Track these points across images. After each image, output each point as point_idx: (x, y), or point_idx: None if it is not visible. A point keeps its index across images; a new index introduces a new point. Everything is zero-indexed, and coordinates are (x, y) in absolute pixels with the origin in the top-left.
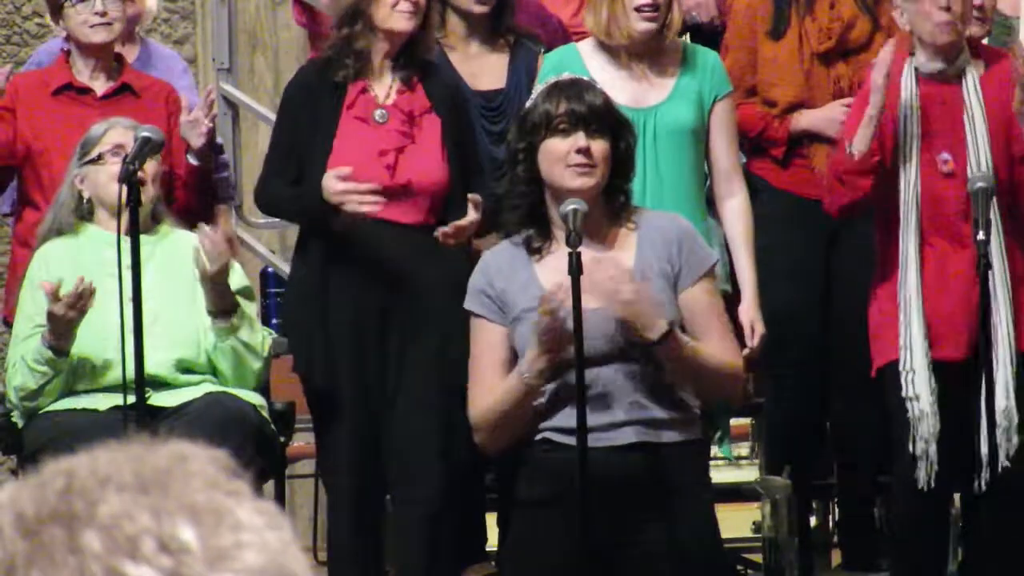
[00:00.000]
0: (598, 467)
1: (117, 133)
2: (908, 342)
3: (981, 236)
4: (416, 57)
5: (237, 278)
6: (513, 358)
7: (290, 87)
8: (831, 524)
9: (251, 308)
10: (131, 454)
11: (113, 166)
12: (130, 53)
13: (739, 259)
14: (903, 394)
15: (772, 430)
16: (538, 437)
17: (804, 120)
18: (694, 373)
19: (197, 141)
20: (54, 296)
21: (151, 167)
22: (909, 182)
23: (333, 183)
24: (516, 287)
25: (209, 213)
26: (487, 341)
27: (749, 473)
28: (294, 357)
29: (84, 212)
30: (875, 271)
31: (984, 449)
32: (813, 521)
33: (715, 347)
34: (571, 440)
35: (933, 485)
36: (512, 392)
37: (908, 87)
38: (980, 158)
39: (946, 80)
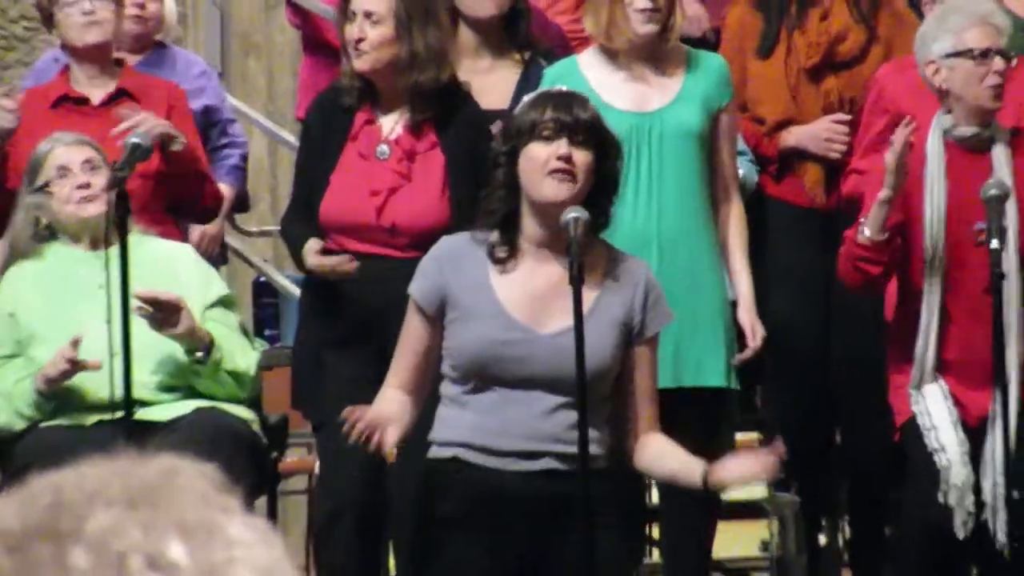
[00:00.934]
0: (512, 488)
1: (59, 154)
2: (927, 404)
3: (995, 244)
4: (431, 94)
5: (216, 288)
6: (434, 356)
7: (308, 112)
8: (841, 542)
9: (233, 319)
10: (120, 468)
11: (62, 190)
12: (135, 60)
13: (734, 264)
14: (927, 449)
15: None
16: (447, 454)
17: (792, 138)
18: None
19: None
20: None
21: (100, 175)
22: (932, 255)
23: (309, 256)
24: (466, 284)
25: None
26: (413, 329)
27: (756, 490)
28: (292, 396)
29: (43, 236)
30: (891, 327)
31: (993, 489)
32: (822, 539)
33: (649, 413)
34: (485, 460)
35: (968, 534)
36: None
37: (935, 150)
38: (1010, 233)
39: (974, 147)
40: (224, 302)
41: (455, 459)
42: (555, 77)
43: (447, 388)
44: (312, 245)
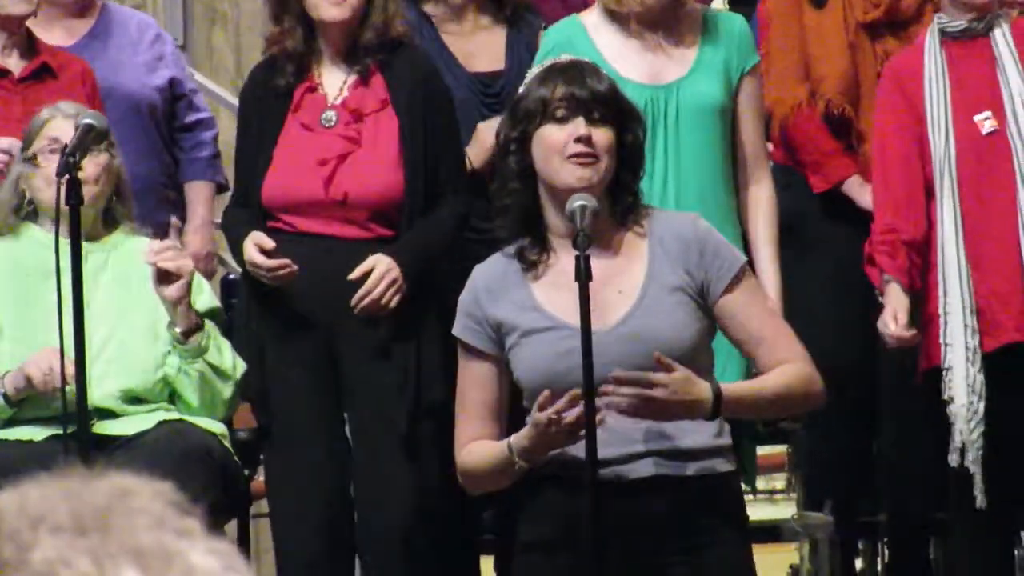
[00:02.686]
0: (611, 505)
1: (56, 125)
2: (949, 334)
3: None
4: (364, 43)
5: (206, 298)
6: (505, 394)
7: (241, 95)
8: (880, 567)
9: (218, 333)
10: (65, 490)
11: (49, 167)
12: (82, 27)
13: (760, 257)
14: (943, 396)
15: (811, 460)
16: (546, 473)
17: (863, 188)
18: (764, 411)
19: None
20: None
21: (100, 161)
22: (939, 149)
23: (248, 250)
24: (510, 309)
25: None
26: (473, 376)
27: (785, 509)
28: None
29: (27, 212)
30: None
31: None
32: (859, 564)
33: (778, 354)
34: (580, 476)
35: (986, 504)
36: (498, 461)
37: (932, 52)
38: (1018, 114)
39: (974, 36)
40: (212, 314)
41: (552, 478)
42: (558, 40)
43: (532, 416)
44: (255, 239)
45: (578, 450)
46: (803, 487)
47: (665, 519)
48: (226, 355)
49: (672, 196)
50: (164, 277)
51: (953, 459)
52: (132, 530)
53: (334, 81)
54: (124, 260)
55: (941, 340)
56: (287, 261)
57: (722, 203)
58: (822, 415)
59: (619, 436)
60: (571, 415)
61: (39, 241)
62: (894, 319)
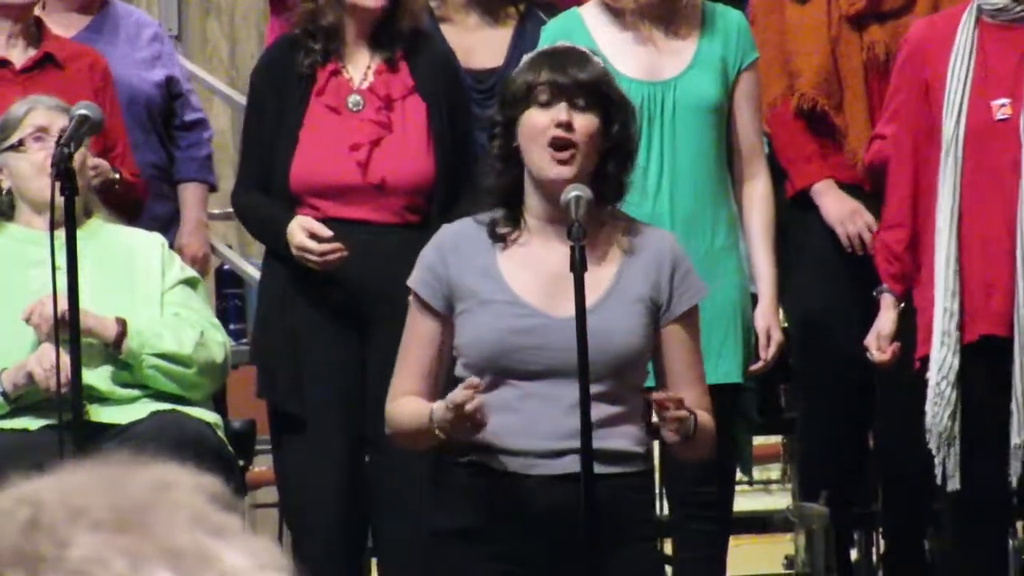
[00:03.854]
0: (533, 497)
1: (40, 114)
2: (938, 318)
3: None
4: (397, 31)
5: (176, 271)
6: (447, 356)
7: (254, 75)
8: (875, 558)
9: (197, 299)
10: (107, 480)
11: (36, 154)
12: (82, 22)
13: (756, 254)
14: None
15: (807, 450)
16: (464, 460)
17: (820, 197)
18: (697, 448)
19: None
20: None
21: (76, 156)
22: (949, 130)
23: (298, 235)
24: (472, 273)
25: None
26: (420, 330)
27: (780, 500)
28: (260, 383)
29: (4, 207)
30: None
31: (1016, 439)
32: (854, 555)
33: (691, 398)
34: (506, 464)
35: (958, 488)
36: (419, 424)
37: (966, 28)
38: None
39: (1010, 21)
40: (187, 282)
41: (471, 463)
42: (556, 34)
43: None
44: (304, 224)
45: (497, 437)
46: (799, 478)
47: (580, 515)
48: (167, 340)
49: (667, 192)
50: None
51: (928, 441)
52: (170, 529)
53: (358, 66)
54: (101, 246)
55: (935, 323)
56: (339, 245)
57: (717, 199)
58: (818, 406)
59: (546, 430)
60: (472, 405)
61: (15, 236)
62: (876, 341)
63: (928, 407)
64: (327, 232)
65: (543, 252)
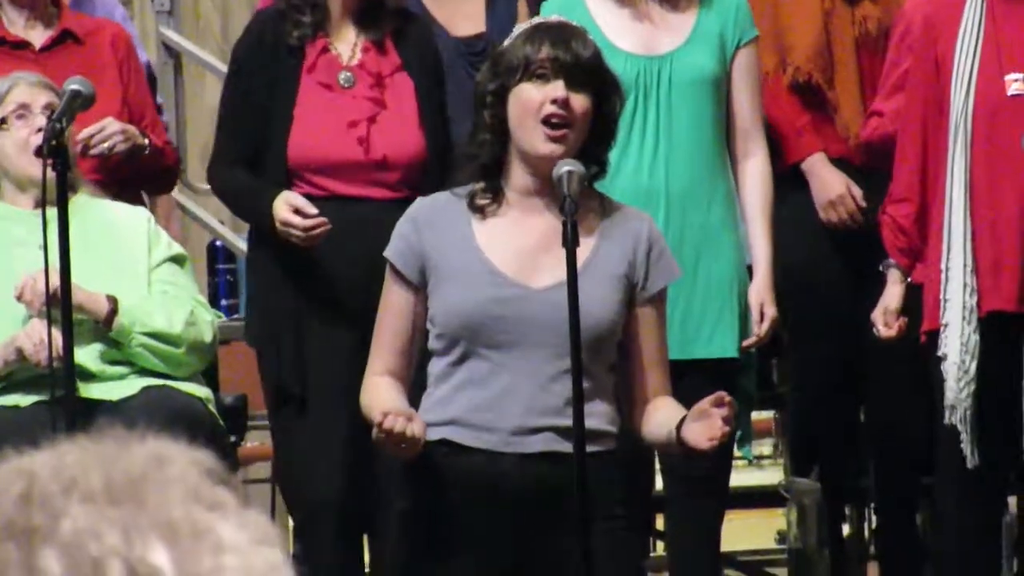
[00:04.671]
0: (508, 476)
1: (21, 91)
2: (947, 291)
3: None
4: (385, 10)
5: (163, 248)
6: (421, 328)
7: (239, 48)
8: (867, 533)
9: (184, 276)
10: (102, 454)
11: (19, 132)
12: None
13: (753, 230)
14: (938, 353)
15: (798, 425)
16: (434, 437)
17: (810, 168)
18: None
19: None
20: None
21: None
22: (958, 104)
23: (282, 210)
24: (447, 243)
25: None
26: (394, 302)
27: (772, 475)
28: (260, 361)
29: None
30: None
31: None
32: (846, 529)
33: (658, 380)
34: (477, 440)
35: (977, 463)
36: (371, 417)
37: (974, 3)
38: None
39: None
40: (174, 259)
41: (443, 442)
42: (556, 10)
43: (433, 365)
44: (288, 199)
45: (470, 413)
46: (790, 452)
47: (556, 493)
48: (157, 318)
49: (662, 166)
50: (53, 301)
51: (946, 416)
52: (165, 502)
53: (345, 42)
54: (87, 222)
55: (941, 296)
56: (323, 219)
57: (714, 174)
58: (809, 381)
59: (518, 408)
60: (396, 429)
61: (5, 213)
62: (883, 316)
63: (951, 383)
64: (312, 209)
65: (522, 224)
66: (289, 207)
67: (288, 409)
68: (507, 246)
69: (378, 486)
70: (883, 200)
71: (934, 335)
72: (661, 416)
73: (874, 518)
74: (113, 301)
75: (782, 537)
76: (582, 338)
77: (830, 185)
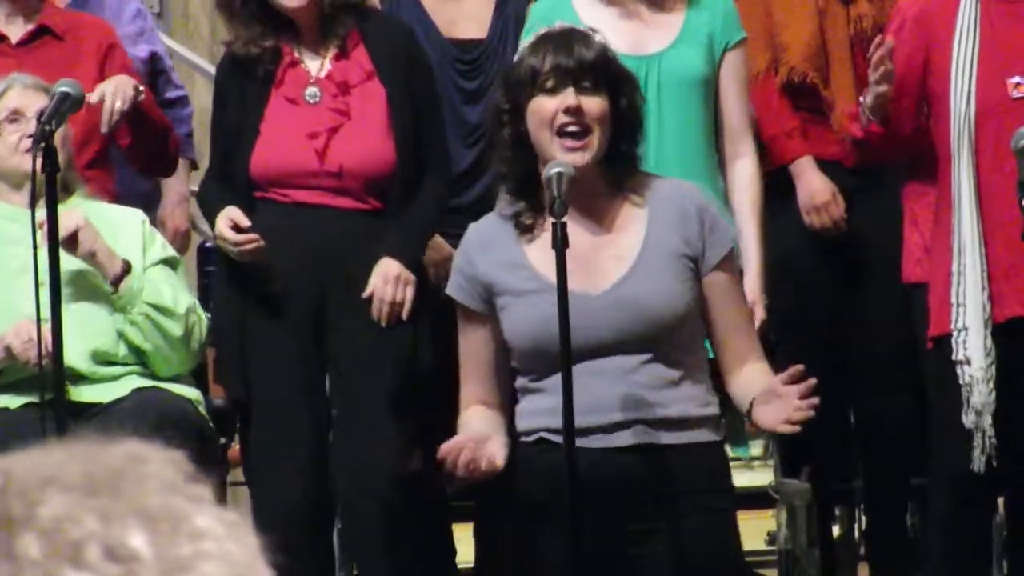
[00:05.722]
0: (593, 470)
1: (15, 95)
2: (961, 295)
3: None
4: (340, 12)
5: (157, 249)
6: (503, 350)
7: (218, 71)
8: (857, 534)
9: (174, 277)
10: (80, 453)
11: (12, 136)
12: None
13: (744, 230)
14: (953, 357)
15: None
16: (532, 437)
17: (799, 172)
18: None
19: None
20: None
21: (61, 131)
22: (959, 107)
23: (220, 223)
24: (501, 268)
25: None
26: (470, 336)
27: (762, 476)
28: (217, 367)
29: None
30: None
31: None
32: (836, 530)
33: (743, 346)
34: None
35: (986, 468)
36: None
37: (969, 4)
38: None
39: None
40: (167, 261)
41: (541, 440)
42: (543, 13)
43: (517, 381)
44: (229, 214)
45: (559, 420)
46: (780, 453)
47: (646, 487)
48: (165, 292)
49: (653, 166)
50: (69, 243)
51: (969, 421)
52: (142, 493)
53: (314, 57)
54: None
55: (953, 300)
56: (254, 236)
57: (705, 174)
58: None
59: (603, 404)
60: (460, 462)
61: None
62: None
63: (980, 387)
64: (246, 222)
65: (569, 235)
66: (228, 221)
67: (244, 413)
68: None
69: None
70: (878, 199)
71: (943, 339)
72: (742, 388)
73: (864, 519)
74: (127, 264)
75: (772, 538)
76: (648, 330)
77: (816, 190)
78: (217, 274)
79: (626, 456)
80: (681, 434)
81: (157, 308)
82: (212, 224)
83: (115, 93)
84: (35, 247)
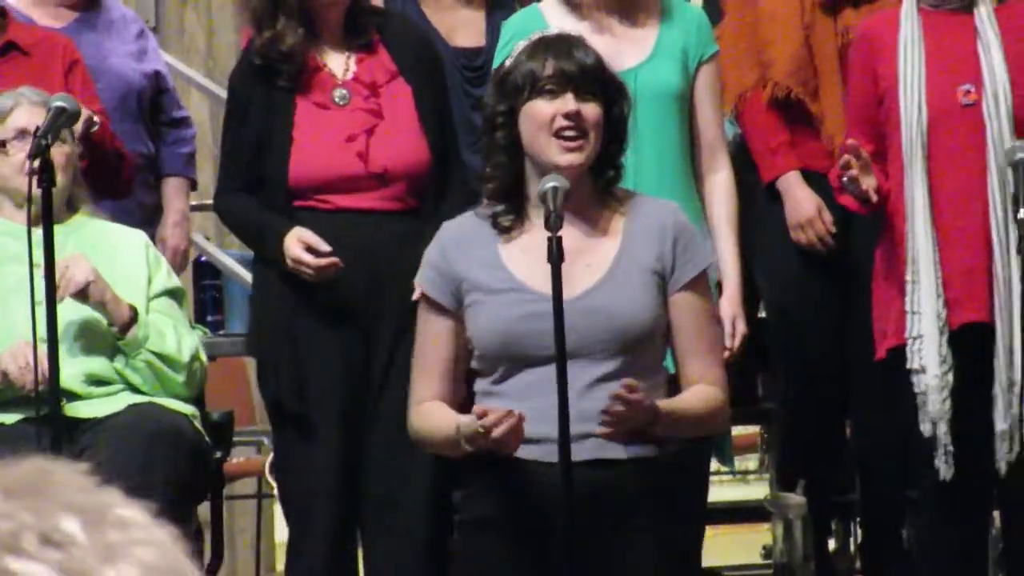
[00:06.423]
0: (557, 485)
1: (23, 114)
2: (916, 302)
3: (1023, 215)
4: (364, 12)
5: (163, 278)
6: (464, 352)
7: (234, 76)
8: (853, 547)
9: (179, 312)
10: None
11: (17, 155)
12: (71, 15)
13: (721, 245)
14: (908, 366)
15: (784, 439)
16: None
17: (787, 188)
18: (682, 431)
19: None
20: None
21: (63, 151)
22: (911, 117)
23: (294, 248)
24: (476, 266)
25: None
26: (434, 330)
27: (758, 489)
28: (259, 376)
29: None
30: (881, 237)
31: (1001, 424)
32: (832, 544)
33: (699, 369)
34: (525, 452)
35: (951, 476)
36: (446, 436)
37: (910, 18)
38: (997, 92)
39: (955, 10)
40: (172, 293)
41: (491, 453)
42: (516, 30)
43: (479, 384)
44: (302, 236)
45: (529, 430)
46: (776, 467)
47: (599, 502)
48: (169, 341)
49: (631, 181)
50: (79, 294)
51: (927, 429)
52: (61, 493)
53: (337, 58)
54: (84, 242)
55: (908, 309)
56: (335, 259)
57: (681, 188)
58: (795, 395)
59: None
60: (499, 431)
61: (2, 228)
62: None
63: (933, 396)
64: (325, 247)
65: (545, 238)
66: (301, 244)
67: (286, 424)
68: (534, 262)
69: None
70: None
71: (899, 349)
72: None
73: (860, 532)
74: (134, 311)
75: (768, 552)
76: (616, 340)
77: (802, 206)
78: (255, 284)
79: (581, 470)
80: (635, 448)
81: (161, 357)
82: (243, 238)
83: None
84: (31, 265)
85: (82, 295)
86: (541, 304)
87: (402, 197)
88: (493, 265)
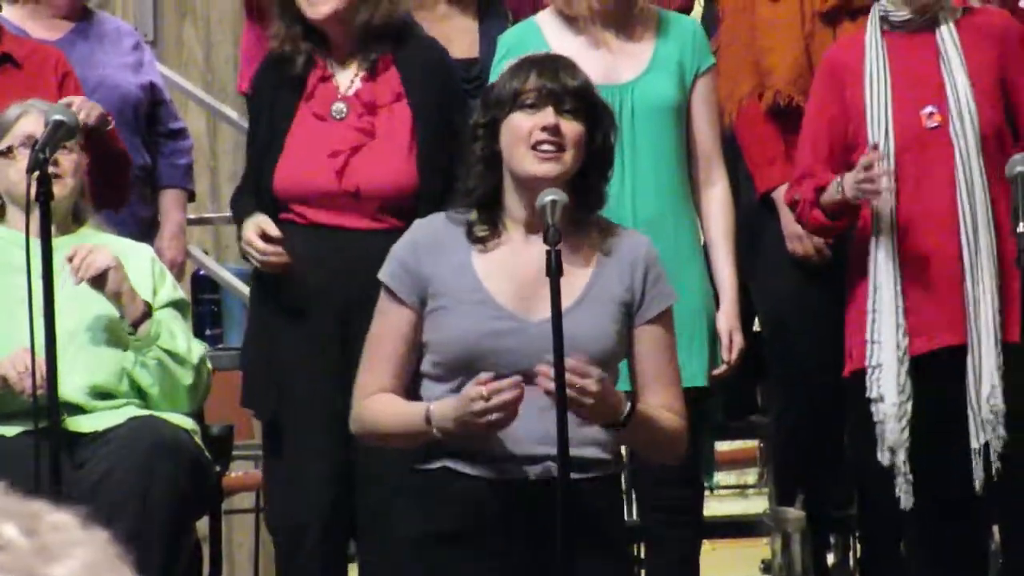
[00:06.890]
0: (508, 502)
1: (31, 121)
2: (876, 332)
3: (1021, 228)
4: (375, 31)
5: (168, 290)
6: (417, 350)
7: (253, 81)
8: (852, 562)
9: (179, 322)
10: None
11: (23, 161)
12: (67, 26)
13: (717, 258)
14: (867, 395)
15: (782, 453)
16: (435, 465)
17: (784, 205)
18: (647, 442)
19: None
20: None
21: (71, 159)
22: (880, 143)
23: (248, 230)
24: (446, 270)
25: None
26: (391, 323)
27: (757, 504)
28: (242, 393)
29: None
30: (853, 260)
31: (975, 443)
32: (831, 559)
33: (660, 399)
34: (475, 470)
35: (910, 505)
36: (410, 424)
37: (873, 42)
38: (962, 113)
39: (917, 29)
40: (177, 304)
41: (444, 469)
42: (513, 43)
43: (430, 389)
44: (258, 220)
45: (471, 442)
46: (774, 481)
47: (553, 520)
48: (180, 340)
49: (629, 194)
50: (97, 280)
51: (884, 458)
52: None
53: (346, 72)
54: None
55: (868, 338)
56: (281, 250)
57: (679, 202)
58: (792, 409)
59: (518, 436)
60: (501, 398)
61: (8, 237)
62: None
63: (891, 424)
64: (277, 233)
65: (520, 255)
66: (257, 228)
67: (269, 436)
68: (506, 277)
69: (361, 516)
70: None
71: (859, 374)
72: None
73: (859, 547)
74: (149, 307)
75: (767, 566)
76: None
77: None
78: (250, 297)
79: (533, 491)
80: (586, 473)
81: (171, 354)
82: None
83: (82, 104)
84: (29, 274)
85: (100, 282)
86: (507, 322)
87: (376, 216)
88: (464, 273)
